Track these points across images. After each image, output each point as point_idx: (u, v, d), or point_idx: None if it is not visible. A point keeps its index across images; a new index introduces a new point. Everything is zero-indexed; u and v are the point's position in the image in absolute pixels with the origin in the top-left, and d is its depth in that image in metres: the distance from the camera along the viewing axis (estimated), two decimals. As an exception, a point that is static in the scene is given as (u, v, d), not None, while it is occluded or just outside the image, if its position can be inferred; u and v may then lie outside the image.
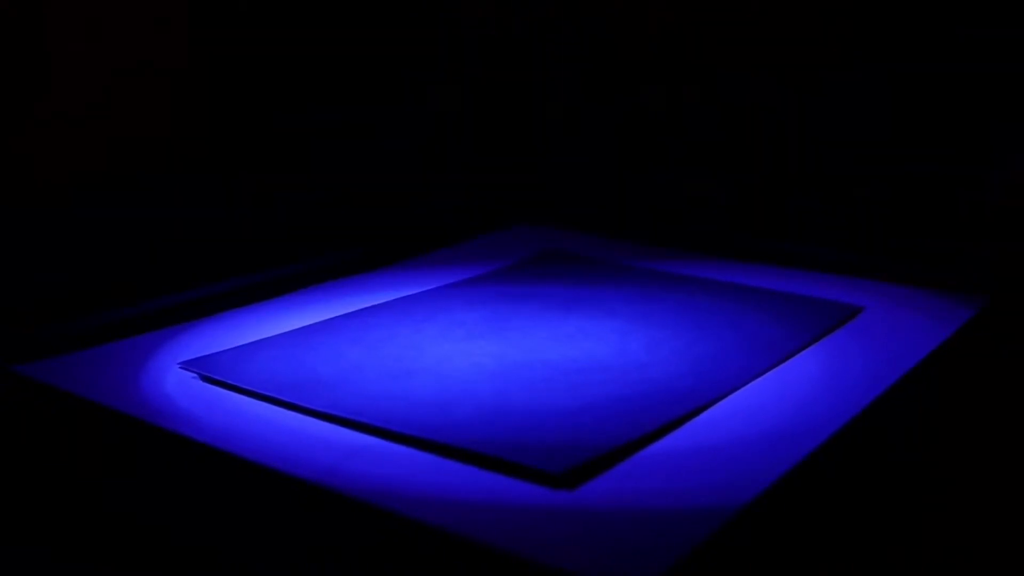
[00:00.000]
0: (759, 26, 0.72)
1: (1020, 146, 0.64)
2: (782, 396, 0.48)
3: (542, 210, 0.81)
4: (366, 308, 0.59)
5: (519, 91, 0.83)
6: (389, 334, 0.55)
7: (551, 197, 0.82)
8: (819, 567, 0.43)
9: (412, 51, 0.78)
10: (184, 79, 0.66)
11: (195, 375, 0.50)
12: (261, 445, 0.43)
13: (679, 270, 0.66)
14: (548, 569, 0.35)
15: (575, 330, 0.56)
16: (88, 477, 0.48)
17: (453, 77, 0.81)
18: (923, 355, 0.51)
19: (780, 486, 0.40)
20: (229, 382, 0.49)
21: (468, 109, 0.82)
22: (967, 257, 0.65)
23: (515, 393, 0.48)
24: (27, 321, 0.57)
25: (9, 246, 0.59)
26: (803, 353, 0.52)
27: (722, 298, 0.60)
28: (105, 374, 0.50)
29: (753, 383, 0.49)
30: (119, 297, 0.59)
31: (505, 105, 0.83)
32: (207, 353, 0.52)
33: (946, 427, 0.54)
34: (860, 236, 0.69)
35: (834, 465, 0.43)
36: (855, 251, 0.68)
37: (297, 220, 0.71)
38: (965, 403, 0.55)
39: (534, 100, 0.83)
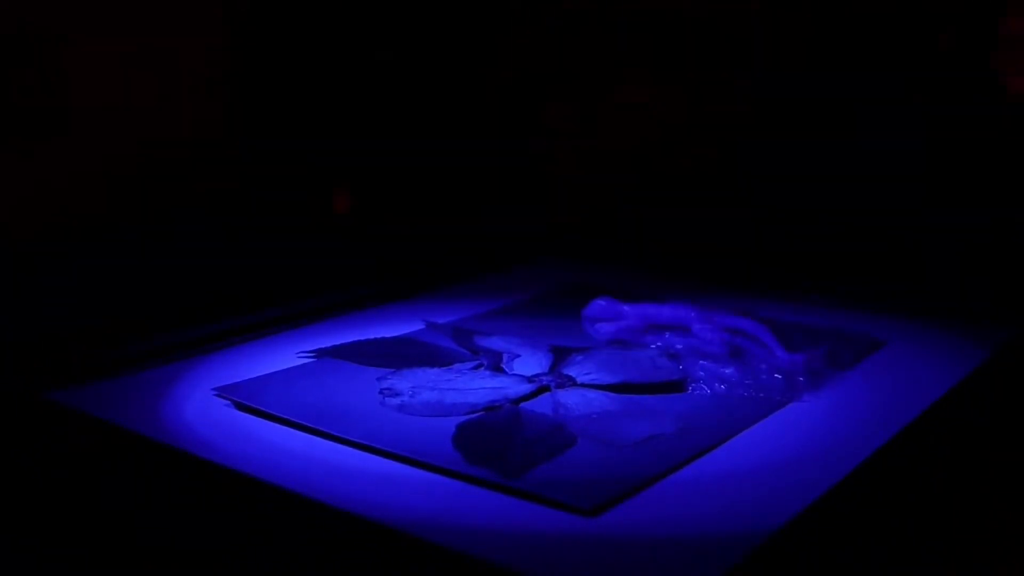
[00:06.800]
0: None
1: None
2: (809, 424, 0.48)
3: (567, 243, 0.81)
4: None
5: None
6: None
7: (576, 229, 0.82)
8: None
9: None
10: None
11: (228, 402, 0.51)
12: (293, 474, 0.44)
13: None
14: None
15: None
16: (121, 505, 0.48)
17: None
18: (949, 386, 0.52)
19: (809, 513, 0.40)
20: (263, 409, 0.50)
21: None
22: (992, 289, 0.66)
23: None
24: (60, 349, 0.57)
25: (40, 278, 0.59)
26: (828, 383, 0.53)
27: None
28: (137, 402, 0.51)
29: (778, 412, 0.50)
30: (147, 326, 0.60)
31: None
32: (238, 381, 0.53)
33: (972, 457, 0.54)
34: (883, 268, 0.70)
35: (862, 494, 0.44)
36: (877, 284, 0.69)
37: (327, 250, 0.71)
38: (992, 432, 0.55)
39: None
